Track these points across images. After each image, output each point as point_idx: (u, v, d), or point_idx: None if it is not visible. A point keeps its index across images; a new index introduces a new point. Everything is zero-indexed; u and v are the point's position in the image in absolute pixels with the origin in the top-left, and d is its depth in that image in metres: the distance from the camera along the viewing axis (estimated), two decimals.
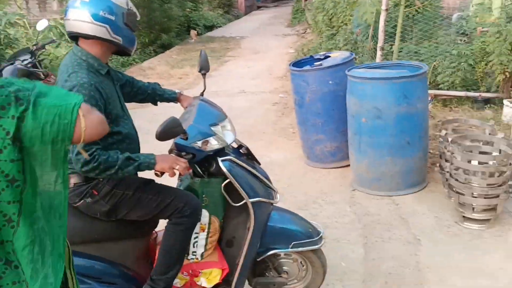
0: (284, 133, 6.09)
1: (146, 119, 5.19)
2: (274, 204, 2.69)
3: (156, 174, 2.30)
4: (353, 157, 4.37)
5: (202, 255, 2.56)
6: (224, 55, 12.54)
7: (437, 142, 4.72)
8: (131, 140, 2.38)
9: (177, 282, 2.51)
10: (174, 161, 2.24)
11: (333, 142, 4.77)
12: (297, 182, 4.63)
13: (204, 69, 2.76)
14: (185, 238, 2.40)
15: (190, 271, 2.55)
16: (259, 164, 2.73)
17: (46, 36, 8.26)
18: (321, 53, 5.37)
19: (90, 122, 1.33)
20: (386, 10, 5.64)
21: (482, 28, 6.08)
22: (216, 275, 2.54)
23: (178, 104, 2.82)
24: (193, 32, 15.66)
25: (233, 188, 2.45)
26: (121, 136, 2.31)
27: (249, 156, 2.65)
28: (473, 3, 7.07)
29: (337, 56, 4.94)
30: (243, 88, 8.72)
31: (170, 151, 2.44)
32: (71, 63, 2.23)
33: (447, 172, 3.78)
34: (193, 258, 2.56)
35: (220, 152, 2.45)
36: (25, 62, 5.55)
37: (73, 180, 2.26)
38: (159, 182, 2.45)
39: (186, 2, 16.62)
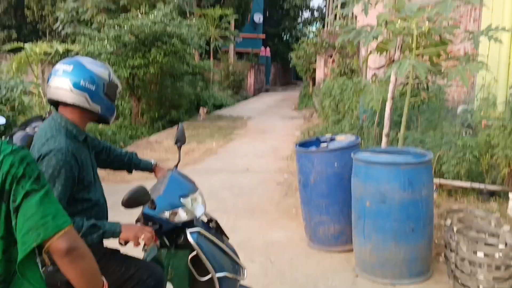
0: (287, 213, 6.03)
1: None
2: (241, 282, 2.63)
3: (120, 243, 2.27)
4: (357, 241, 4.29)
5: None
6: (230, 133, 12.77)
7: (441, 231, 4.65)
8: (99, 208, 2.36)
9: None
10: (139, 230, 2.22)
11: (337, 225, 4.70)
12: (298, 264, 4.51)
13: (180, 141, 2.83)
14: None
15: None
16: (228, 238, 2.71)
17: None
18: (327, 135, 5.44)
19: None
20: (392, 98, 5.78)
21: (487, 121, 6.19)
22: None
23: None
24: (202, 110, 16.05)
25: (199, 262, 2.41)
26: (91, 203, 2.30)
27: (218, 230, 2.63)
28: (477, 97, 7.25)
29: (343, 139, 5.01)
30: (248, 166, 8.78)
31: (137, 220, 2.43)
32: (50, 128, 2.24)
33: (453, 263, 3.70)
34: None
35: (189, 223, 2.44)
36: (36, 129, 5.66)
37: None
38: (125, 252, 2.40)
39: (197, 81, 17.18)
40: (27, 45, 9.99)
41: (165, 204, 2.38)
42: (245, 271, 2.63)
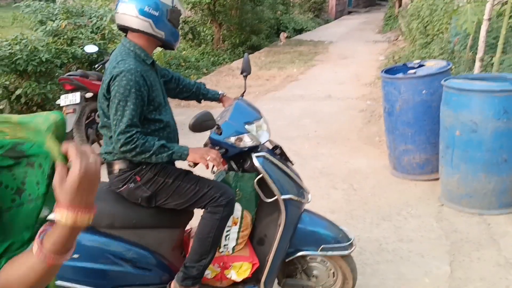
0: (369, 141, 5.96)
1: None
2: (305, 207, 2.72)
3: (189, 165, 2.41)
4: (444, 171, 4.19)
5: (233, 248, 2.63)
6: (311, 59, 12.53)
7: None
8: (171, 129, 2.50)
9: (208, 273, 2.58)
10: (205, 152, 2.34)
11: (422, 154, 4.60)
12: (381, 192, 4.51)
13: (245, 71, 2.85)
14: (219, 227, 2.46)
15: (221, 264, 2.60)
16: (293, 164, 2.77)
17: None
18: (415, 61, 5.20)
19: None
20: (489, 19, 5.35)
21: None
22: (246, 269, 2.59)
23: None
24: (282, 35, 15.79)
25: (265, 185, 2.51)
26: (162, 124, 2.44)
27: (283, 156, 2.70)
28: None
29: (433, 65, 4.76)
30: (329, 93, 8.66)
31: (205, 145, 2.57)
32: (120, 52, 2.39)
33: None
34: (224, 251, 2.62)
35: (255, 149, 2.53)
36: None
37: (118, 166, 2.40)
38: (197, 174, 2.53)
39: (277, 5, 16.80)
40: None
41: (230, 130, 2.47)
42: (309, 195, 2.71)
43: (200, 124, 2.28)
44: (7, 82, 6.23)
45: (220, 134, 2.43)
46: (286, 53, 13.42)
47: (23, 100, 6.15)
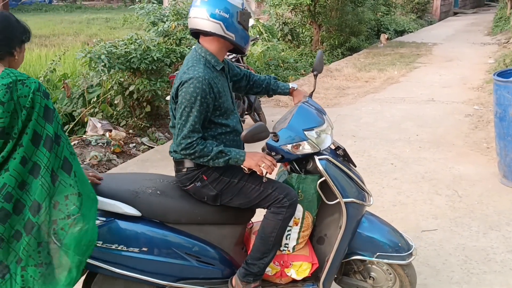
0: (476, 147, 5.68)
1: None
2: (366, 210, 2.69)
3: (243, 170, 2.47)
4: None
5: (293, 248, 2.65)
6: (413, 61, 12.15)
7: None
8: (236, 133, 2.55)
9: (269, 270, 2.62)
10: (260, 159, 2.38)
11: None
12: (489, 200, 4.29)
13: (316, 70, 2.81)
14: (281, 228, 2.48)
15: (282, 262, 2.64)
16: (355, 166, 2.74)
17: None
18: None
19: None
20: None
21: None
22: (306, 268, 2.62)
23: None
24: (383, 36, 15.46)
25: (327, 187, 2.52)
26: (229, 129, 2.51)
27: (346, 158, 2.68)
28: None
29: None
30: (432, 96, 8.36)
31: (262, 150, 2.59)
32: (192, 58, 2.45)
33: None
34: (285, 250, 2.64)
35: (317, 151, 2.54)
36: (230, 56, 6.13)
37: (186, 164, 2.49)
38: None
39: (379, 6, 16.46)
40: None
41: (287, 136, 2.50)
42: (371, 198, 2.69)
43: (252, 136, 2.32)
44: (122, 79, 6.69)
45: (277, 141, 2.47)
46: (387, 55, 13.12)
47: (135, 96, 6.57)
